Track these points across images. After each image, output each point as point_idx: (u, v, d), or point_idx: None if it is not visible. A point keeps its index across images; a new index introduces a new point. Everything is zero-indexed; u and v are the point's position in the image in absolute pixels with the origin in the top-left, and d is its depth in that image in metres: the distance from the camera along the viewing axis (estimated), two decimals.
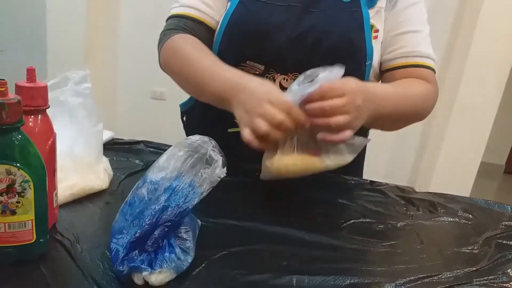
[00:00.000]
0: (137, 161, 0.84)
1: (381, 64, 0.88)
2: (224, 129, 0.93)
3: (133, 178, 0.77)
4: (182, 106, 1.01)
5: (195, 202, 0.54)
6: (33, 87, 0.52)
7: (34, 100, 0.53)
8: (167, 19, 0.89)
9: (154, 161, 0.58)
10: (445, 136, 2.57)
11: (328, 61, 0.74)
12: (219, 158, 0.57)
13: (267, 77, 0.83)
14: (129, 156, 0.86)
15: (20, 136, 0.47)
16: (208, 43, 0.85)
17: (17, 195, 0.47)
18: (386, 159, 2.74)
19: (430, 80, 0.85)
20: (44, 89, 0.53)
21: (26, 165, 0.47)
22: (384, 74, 0.88)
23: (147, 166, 0.82)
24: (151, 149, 0.92)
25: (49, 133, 0.55)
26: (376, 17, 0.83)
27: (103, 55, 2.87)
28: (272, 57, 0.81)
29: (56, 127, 0.67)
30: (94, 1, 2.65)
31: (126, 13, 2.81)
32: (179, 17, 0.87)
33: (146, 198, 0.54)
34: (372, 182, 0.88)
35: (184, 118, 1.01)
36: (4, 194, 0.47)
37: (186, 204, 0.54)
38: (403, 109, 0.79)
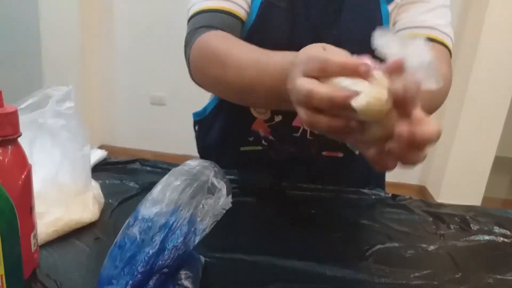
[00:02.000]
0: (131, 184, 0.76)
1: None
2: (237, 143, 0.86)
3: (127, 205, 0.69)
4: (195, 115, 0.93)
5: (196, 241, 0.46)
6: (0, 114, 0.44)
7: (2, 129, 0.44)
8: (190, 18, 0.74)
9: (151, 183, 0.50)
10: (456, 131, 2.48)
11: None
12: (223, 186, 0.49)
13: None
14: (123, 178, 0.78)
15: None
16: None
17: None
18: None
19: (439, 58, 0.69)
20: (14, 115, 0.45)
21: None
22: None
23: (143, 189, 0.74)
24: (148, 168, 0.83)
25: (22, 165, 0.47)
26: (396, 10, 0.74)
27: (99, 61, 2.80)
28: None
29: (36, 154, 0.59)
30: (88, 6, 2.57)
31: (120, 17, 2.74)
32: (207, 12, 0.71)
33: (138, 239, 0.46)
34: (394, 196, 0.79)
35: (196, 128, 0.93)
36: None
37: (185, 245, 0.45)
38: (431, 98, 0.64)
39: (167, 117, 2.89)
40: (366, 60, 0.42)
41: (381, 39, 0.41)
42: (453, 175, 2.54)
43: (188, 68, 0.71)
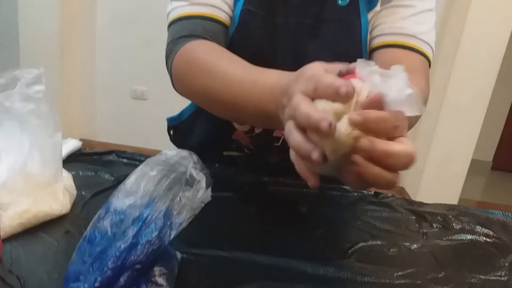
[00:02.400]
0: (107, 176, 0.72)
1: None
2: (219, 149, 0.83)
3: (101, 198, 0.65)
4: (170, 120, 0.89)
5: (172, 236, 0.43)
6: None
7: None
8: (170, 24, 0.69)
9: (127, 175, 0.47)
10: (434, 133, 2.51)
11: None
12: (202, 178, 0.46)
13: None
14: (98, 169, 0.74)
15: None
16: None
17: None
18: None
19: (416, 69, 0.66)
20: None
21: None
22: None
23: (118, 181, 0.70)
24: (124, 160, 0.80)
25: None
26: (375, 16, 0.71)
27: (79, 53, 2.73)
28: None
29: (2, 140, 0.55)
30: None
31: (102, 9, 2.67)
32: (187, 19, 0.67)
33: (109, 233, 0.43)
34: (377, 194, 0.77)
35: (171, 132, 0.90)
36: None
37: (160, 239, 0.43)
38: None
39: (148, 112, 2.83)
40: (356, 80, 0.40)
41: (362, 70, 0.40)
42: (431, 176, 2.56)
43: (170, 78, 0.68)
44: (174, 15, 0.69)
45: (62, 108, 2.60)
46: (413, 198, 2.59)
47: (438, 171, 2.56)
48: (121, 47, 2.74)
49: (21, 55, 2.52)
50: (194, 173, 0.46)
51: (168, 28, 0.70)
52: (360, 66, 0.41)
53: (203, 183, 0.46)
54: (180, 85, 0.66)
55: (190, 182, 0.46)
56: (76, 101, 2.79)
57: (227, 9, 0.69)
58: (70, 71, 2.68)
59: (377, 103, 0.38)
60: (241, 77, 0.55)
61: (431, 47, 0.70)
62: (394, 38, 0.69)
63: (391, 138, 0.38)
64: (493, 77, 2.37)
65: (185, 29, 0.66)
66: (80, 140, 0.83)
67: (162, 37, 0.75)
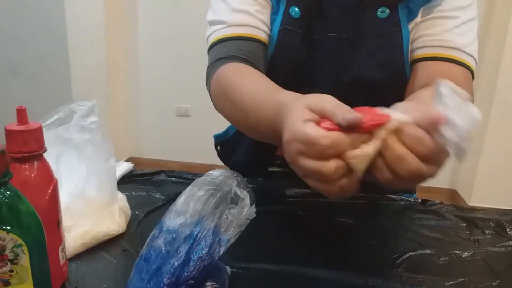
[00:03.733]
0: (158, 195, 0.76)
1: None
2: (264, 164, 0.86)
3: (153, 216, 0.69)
4: (216, 137, 0.93)
5: (221, 252, 0.46)
6: (24, 131, 0.45)
7: (27, 145, 0.45)
8: (209, 48, 0.72)
9: (176, 193, 0.50)
10: (486, 131, 2.40)
11: (369, 95, 0.67)
12: (246, 196, 0.49)
13: None
14: (149, 189, 0.78)
15: (8, 193, 0.39)
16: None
17: (9, 263, 0.40)
18: None
19: (461, 83, 0.60)
20: (38, 131, 0.46)
21: (18, 226, 0.39)
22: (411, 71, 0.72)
23: (168, 199, 0.74)
24: (173, 179, 0.84)
25: (48, 180, 0.47)
26: (416, 27, 0.70)
27: (125, 75, 2.85)
28: None
29: (62, 168, 0.60)
30: (112, 21, 2.64)
31: (144, 31, 2.79)
32: (225, 41, 0.69)
33: (163, 251, 0.46)
34: (424, 201, 0.76)
35: (219, 148, 0.94)
36: None
37: (210, 255, 0.45)
38: None
39: (192, 127, 2.92)
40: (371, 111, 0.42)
41: (443, 89, 0.41)
42: (484, 177, 2.45)
43: (210, 98, 0.72)
44: (212, 39, 0.72)
45: (111, 128, 2.73)
46: (467, 201, 2.49)
47: (492, 171, 2.44)
48: (163, 67, 2.84)
49: (72, 80, 2.68)
50: (238, 191, 0.48)
51: (208, 52, 0.73)
52: (442, 85, 0.42)
53: (247, 201, 0.48)
54: (216, 105, 0.71)
55: (235, 200, 0.48)
56: (123, 122, 2.92)
57: (264, 28, 0.71)
58: (116, 94, 2.81)
59: (438, 123, 0.40)
60: (257, 104, 0.58)
61: (474, 59, 0.69)
62: (437, 50, 0.68)
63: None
64: None
65: (222, 52, 0.69)
66: (129, 158, 0.88)
67: (201, 55, 0.79)
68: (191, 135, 2.92)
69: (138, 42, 2.83)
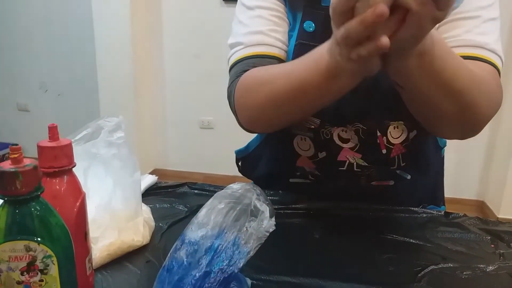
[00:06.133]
0: (181, 207, 0.78)
1: None
2: (285, 176, 0.86)
3: (176, 228, 0.71)
4: (238, 153, 0.95)
5: (241, 264, 0.47)
6: (55, 147, 0.47)
7: (58, 161, 0.48)
8: (230, 69, 0.75)
9: (199, 205, 0.52)
10: None
11: (388, 101, 0.67)
12: (265, 209, 0.50)
13: (322, 131, 0.74)
14: (172, 201, 0.80)
15: (39, 206, 0.41)
16: None
17: (39, 273, 0.42)
18: (451, 172, 2.52)
19: (489, 78, 0.65)
20: (68, 147, 0.48)
21: (48, 238, 0.41)
22: None
23: (191, 211, 0.76)
24: (196, 191, 0.85)
25: (77, 193, 0.50)
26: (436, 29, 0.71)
27: (150, 90, 2.92)
28: (330, 109, 0.70)
29: (90, 182, 0.62)
30: (139, 40, 2.71)
31: (169, 47, 2.86)
32: (245, 60, 0.72)
33: (185, 263, 0.47)
34: (447, 214, 0.75)
35: (240, 163, 0.95)
36: (25, 273, 0.41)
37: (231, 267, 0.46)
38: (456, 75, 0.57)
39: (215, 140, 2.95)
40: None
41: None
42: None
43: (235, 117, 0.73)
44: (232, 61, 0.74)
45: (137, 141, 2.79)
46: (496, 212, 2.41)
47: None
48: (188, 83, 2.90)
49: (100, 95, 2.76)
50: (258, 204, 0.49)
51: (229, 73, 0.75)
52: None
53: (267, 213, 0.49)
54: (244, 111, 0.70)
55: (254, 213, 0.49)
56: (149, 135, 2.98)
57: (279, 44, 0.73)
58: (143, 107, 2.88)
59: None
60: (295, 63, 0.62)
61: (500, 56, 0.68)
62: (460, 50, 0.67)
63: None
64: None
65: (239, 70, 0.72)
66: (154, 170, 0.90)
67: (224, 69, 0.81)
68: (214, 147, 2.96)
69: (163, 58, 2.89)
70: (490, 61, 0.66)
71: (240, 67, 0.72)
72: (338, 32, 0.48)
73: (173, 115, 3.00)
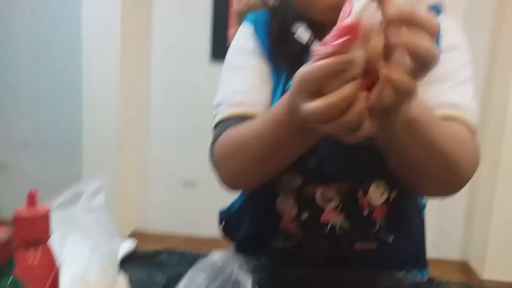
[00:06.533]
0: (159, 277, 0.75)
1: None
2: (268, 240, 0.84)
3: None
4: (221, 212, 0.94)
5: None
6: (30, 218, 0.46)
7: (34, 231, 0.46)
8: (214, 128, 0.77)
9: (178, 275, 0.50)
10: (493, 199, 2.37)
11: (370, 159, 0.67)
12: (247, 281, 0.48)
13: (305, 190, 0.75)
14: (151, 270, 0.77)
15: (9, 282, 0.40)
16: None
17: None
18: (434, 231, 2.52)
19: (466, 139, 0.66)
20: (45, 217, 0.47)
21: None
22: None
23: (170, 281, 0.73)
24: (175, 260, 0.83)
25: (51, 266, 0.48)
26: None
27: (135, 147, 2.90)
28: (312, 168, 0.72)
29: (66, 251, 0.60)
30: (125, 96, 2.72)
31: (155, 106, 2.89)
32: (228, 120, 0.74)
33: None
34: (430, 279, 0.75)
35: (223, 224, 0.94)
36: None
37: None
38: (443, 139, 0.58)
39: (198, 200, 2.91)
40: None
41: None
42: (497, 246, 2.38)
43: (219, 178, 0.73)
44: (215, 121, 0.76)
45: (118, 199, 2.72)
46: (480, 272, 2.39)
47: (505, 239, 2.38)
48: (173, 141, 2.90)
49: (83, 151, 2.72)
50: (239, 276, 0.48)
51: (213, 131, 0.77)
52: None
53: (248, 286, 0.48)
54: (224, 174, 0.72)
55: (236, 285, 0.48)
56: (131, 194, 2.93)
57: (263, 105, 0.75)
58: (125, 165, 2.84)
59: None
60: (261, 123, 0.63)
61: (474, 115, 0.69)
62: (437, 110, 0.67)
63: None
64: None
65: (221, 131, 0.73)
66: (133, 232, 0.87)
67: (209, 128, 0.83)
68: (197, 207, 2.91)
69: (149, 118, 2.91)
70: (466, 121, 0.68)
71: (222, 127, 0.74)
72: (303, 107, 0.47)
73: (155, 172, 2.97)
